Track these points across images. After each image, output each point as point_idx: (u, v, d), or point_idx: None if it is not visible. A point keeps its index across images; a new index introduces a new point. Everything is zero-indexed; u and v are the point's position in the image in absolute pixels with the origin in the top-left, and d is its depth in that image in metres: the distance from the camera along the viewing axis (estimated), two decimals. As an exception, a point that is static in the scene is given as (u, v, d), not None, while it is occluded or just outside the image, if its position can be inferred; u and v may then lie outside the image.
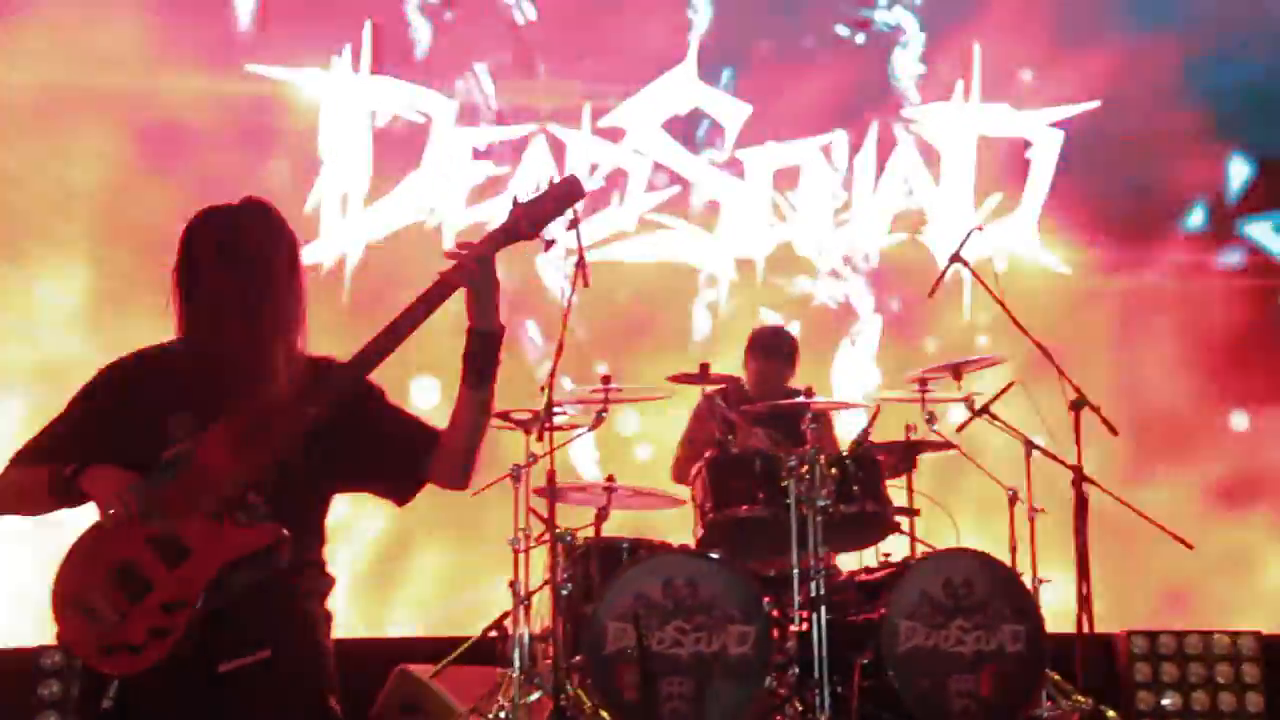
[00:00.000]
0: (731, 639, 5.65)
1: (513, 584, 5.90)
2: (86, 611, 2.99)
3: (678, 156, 8.54)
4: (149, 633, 2.96)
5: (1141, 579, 7.79)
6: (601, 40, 8.32)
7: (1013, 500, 6.22)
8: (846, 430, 6.87)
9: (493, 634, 6.20)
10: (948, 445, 6.35)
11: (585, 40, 8.35)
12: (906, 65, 8.68)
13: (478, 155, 8.36)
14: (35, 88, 7.76)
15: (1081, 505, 5.89)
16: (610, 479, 6.30)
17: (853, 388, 8.30)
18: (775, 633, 5.74)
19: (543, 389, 5.66)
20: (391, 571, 7.69)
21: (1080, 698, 5.94)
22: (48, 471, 3.08)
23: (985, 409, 6.20)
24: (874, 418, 6.17)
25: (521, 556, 5.92)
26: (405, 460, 3.24)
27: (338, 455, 3.15)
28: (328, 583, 3.23)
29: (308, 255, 7.73)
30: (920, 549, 6.22)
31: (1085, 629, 5.81)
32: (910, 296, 8.35)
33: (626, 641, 5.56)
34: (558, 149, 8.39)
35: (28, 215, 7.60)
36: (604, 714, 5.52)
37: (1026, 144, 8.69)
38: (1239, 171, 8.80)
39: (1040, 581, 5.98)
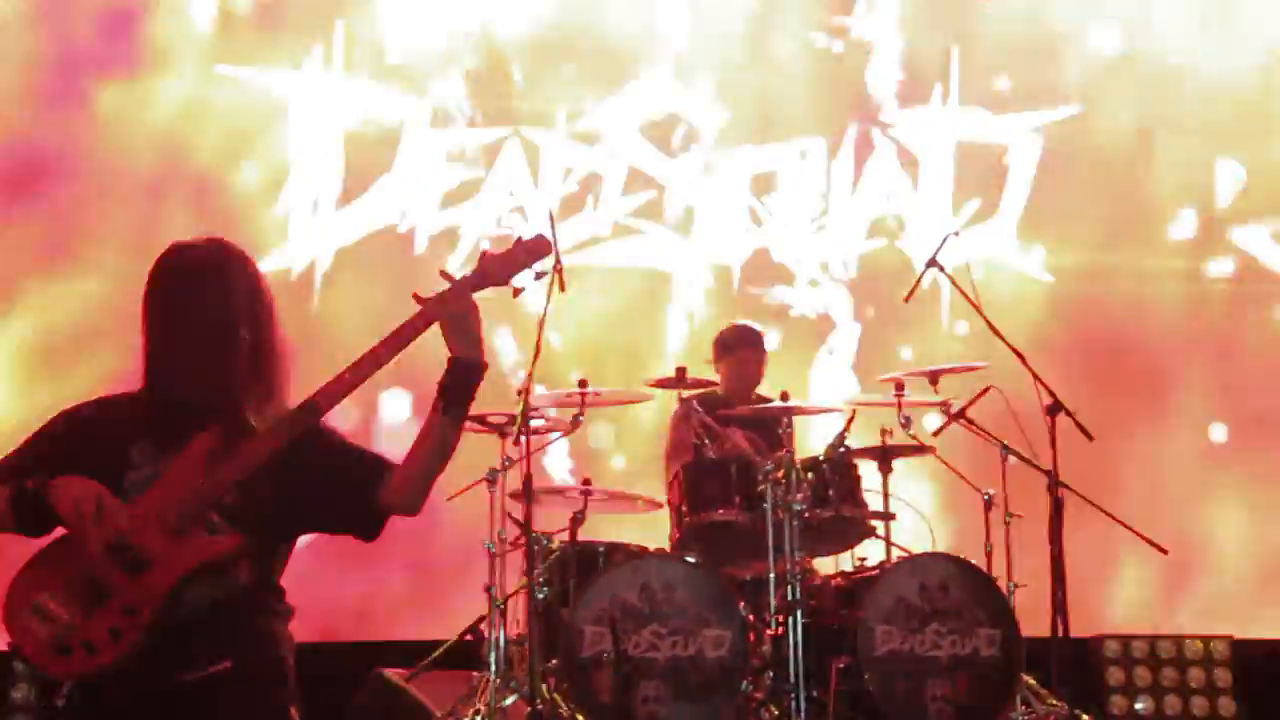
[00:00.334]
0: (708, 643, 5.81)
1: (489, 588, 6.03)
2: (40, 614, 3.07)
3: (654, 161, 8.60)
4: (109, 632, 3.05)
5: (1116, 583, 7.94)
6: (577, 44, 8.42)
7: (988, 505, 6.36)
8: (822, 437, 7.00)
9: (469, 638, 6.34)
10: (923, 449, 6.48)
11: (561, 44, 8.43)
12: (884, 73, 8.73)
13: (450, 159, 8.41)
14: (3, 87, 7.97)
15: (1057, 510, 6.01)
16: (587, 482, 6.42)
17: (830, 397, 8.23)
18: (751, 637, 5.88)
19: (519, 393, 5.75)
20: (367, 575, 7.69)
21: (1055, 702, 6.10)
22: (10, 489, 3.15)
23: (961, 413, 6.36)
24: (849, 422, 6.37)
25: (498, 560, 6.04)
26: (355, 492, 3.29)
27: (291, 495, 3.22)
28: (287, 609, 3.33)
29: (277, 260, 8.00)
30: (896, 553, 6.34)
31: (1060, 633, 5.92)
32: (888, 304, 8.38)
33: (603, 646, 5.72)
34: (532, 153, 8.44)
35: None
36: (580, 718, 5.68)
37: (1005, 150, 8.73)
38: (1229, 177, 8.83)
39: (1016, 586, 6.18)
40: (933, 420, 6.91)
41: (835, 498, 6.18)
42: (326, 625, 7.20)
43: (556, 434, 6.48)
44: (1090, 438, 6.09)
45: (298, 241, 8.21)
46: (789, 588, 5.97)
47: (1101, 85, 8.71)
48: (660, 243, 8.57)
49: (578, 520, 6.24)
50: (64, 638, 3.06)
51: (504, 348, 7.93)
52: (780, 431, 6.27)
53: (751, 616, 5.94)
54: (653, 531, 6.71)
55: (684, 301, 8.54)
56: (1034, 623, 6.07)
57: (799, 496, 6.04)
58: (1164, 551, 6.34)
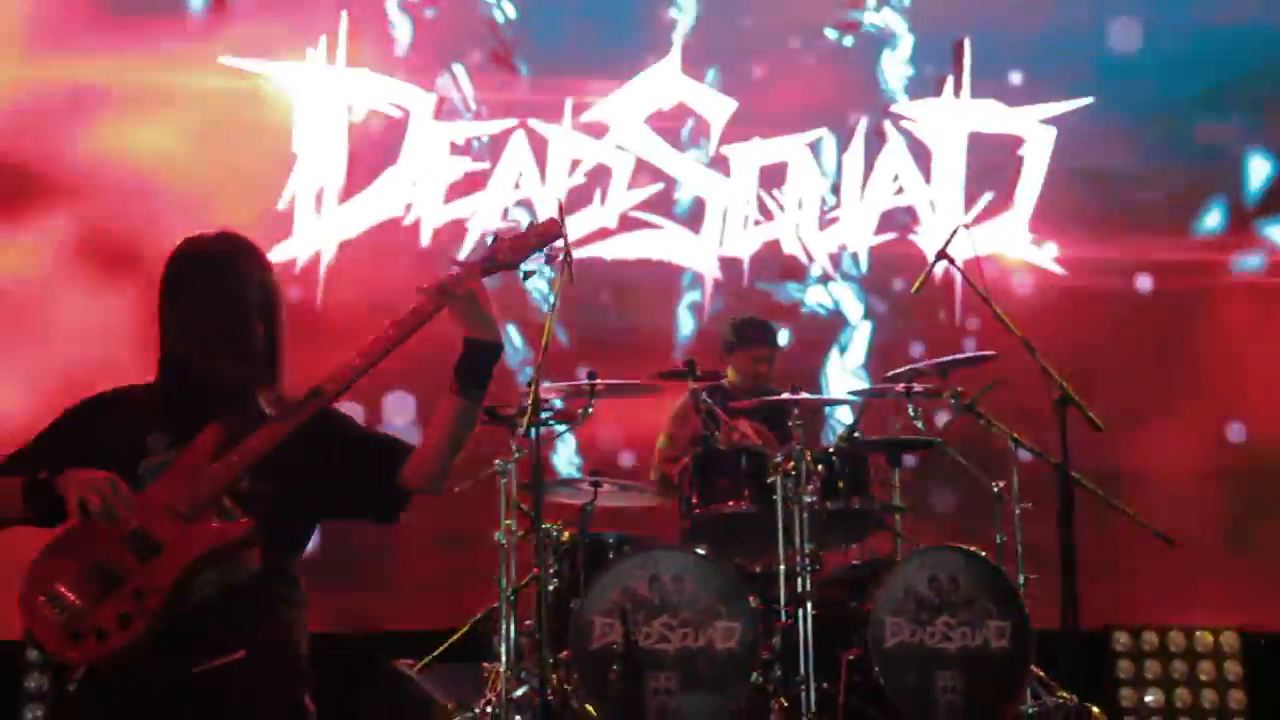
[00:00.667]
0: (718, 635, 6.01)
1: (499, 579, 6.17)
2: (54, 601, 3.18)
3: (662, 153, 8.72)
4: (119, 618, 3.16)
5: (1126, 575, 8.07)
6: (584, 36, 8.56)
7: (998, 497, 6.52)
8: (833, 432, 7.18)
9: (480, 629, 6.50)
10: (932, 442, 6.65)
11: (567, 36, 8.56)
12: (895, 66, 8.86)
13: (456, 150, 8.53)
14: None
15: (1067, 502, 6.08)
16: (596, 473, 6.55)
17: (841, 391, 8.44)
18: (761, 628, 6.05)
19: (529, 385, 5.86)
20: (378, 566, 7.88)
21: (1065, 694, 6.25)
22: (21, 480, 3.28)
23: (971, 405, 6.51)
24: (861, 413, 6.58)
25: (508, 552, 6.17)
26: (374, 472, 3.40)
27: (308, 478, 3.35)
28: (302, 597, 3.43)
29: (281, 252, 8.19)
30: (906, 545, 6.52)
31: (1070, 625, 5.98)
32: (900, 298, 8.56)
33: (613, 637, 5.91)
34: (538, 145, 8.56)
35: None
36: (590, 709, 5.87)
37: (1019, 141, 8.87)
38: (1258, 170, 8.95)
39: (1026, 578, 6.34)
40: (943, 414, 7.06)
41: (846, 489, 6.36)
42: (336, 615, 7.34)
43: (565, 426, 6.66)
44: (1098, 428, 6.15)
45: (302, 234, 8.33)
46: (799, 579, 6.13)
47: (1116, 76, 8.85)
48: (669, 236, 8.70)
49: (587, 512, 6.40)
50: (75, 623, 3.17)
51: (510, 343, 8.05)
52: (791, 425, 6.42)
53: (761, 608, 6.11)
54: (662, 523, 6.89)
55: (692, 295, 8.68)
56: (1044, 615, 6.20)
57: (809, 488, 6.20)
58: (1172, 543, 6.50)
